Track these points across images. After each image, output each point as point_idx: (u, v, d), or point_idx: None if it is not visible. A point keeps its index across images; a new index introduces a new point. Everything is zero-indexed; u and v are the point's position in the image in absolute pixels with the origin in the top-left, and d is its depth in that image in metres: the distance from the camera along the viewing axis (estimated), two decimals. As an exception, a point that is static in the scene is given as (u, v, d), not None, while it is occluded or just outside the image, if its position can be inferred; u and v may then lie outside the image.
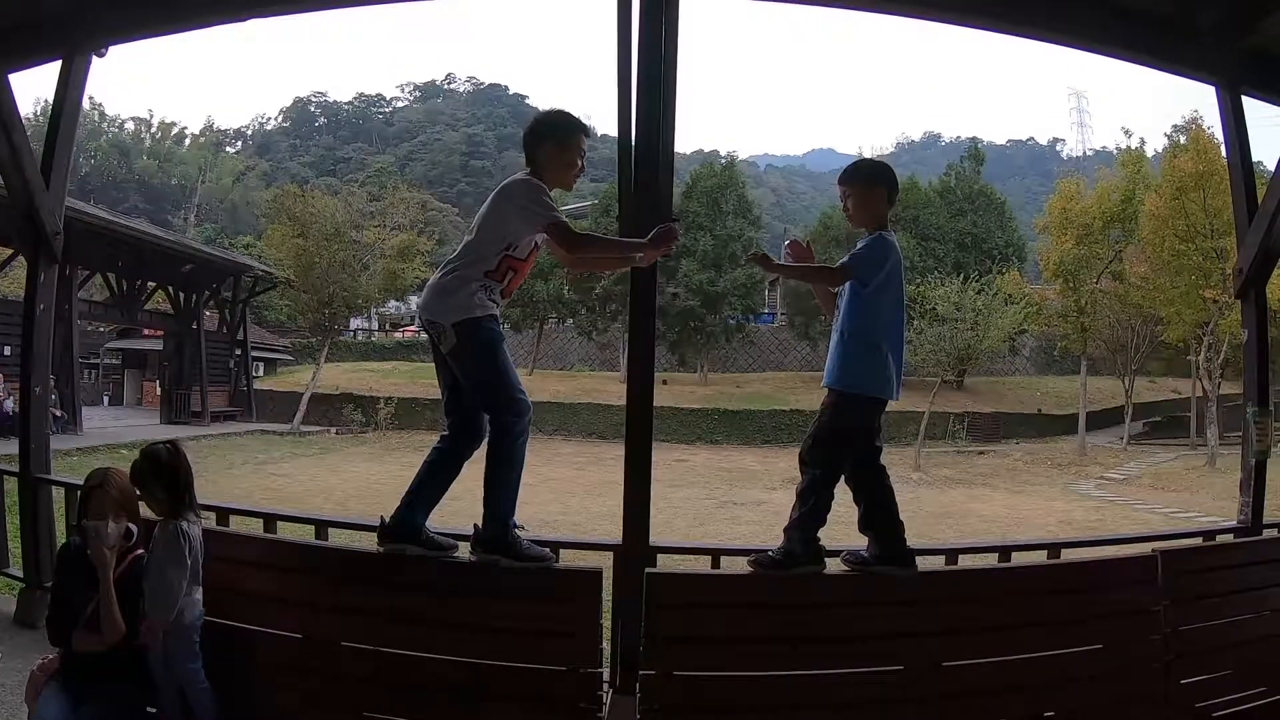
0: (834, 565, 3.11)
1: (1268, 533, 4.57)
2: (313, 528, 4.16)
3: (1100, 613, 3.33)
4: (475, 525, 3.02)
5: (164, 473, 3.15)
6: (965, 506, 18.46)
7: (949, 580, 3.48)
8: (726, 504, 17.93)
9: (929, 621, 3.08)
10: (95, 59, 4.87)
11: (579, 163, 3.18)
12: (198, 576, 3.10)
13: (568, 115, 3.26)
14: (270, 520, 4.31)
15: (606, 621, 3.16)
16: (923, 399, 28.11)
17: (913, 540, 3.14)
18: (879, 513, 3.09)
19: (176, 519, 3.10)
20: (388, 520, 3.05)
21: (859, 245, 3.09)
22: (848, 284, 3.09)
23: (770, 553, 3.05)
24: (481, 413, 3.04)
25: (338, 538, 4.10)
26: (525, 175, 3.10)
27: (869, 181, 3.20)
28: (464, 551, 3.10)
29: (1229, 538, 4.53)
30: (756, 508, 16.35)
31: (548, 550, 3.13)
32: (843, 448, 3.06)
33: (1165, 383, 38.65)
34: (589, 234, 3.25)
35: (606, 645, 3.30)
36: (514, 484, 3.01)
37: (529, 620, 3.01)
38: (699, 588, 3.17)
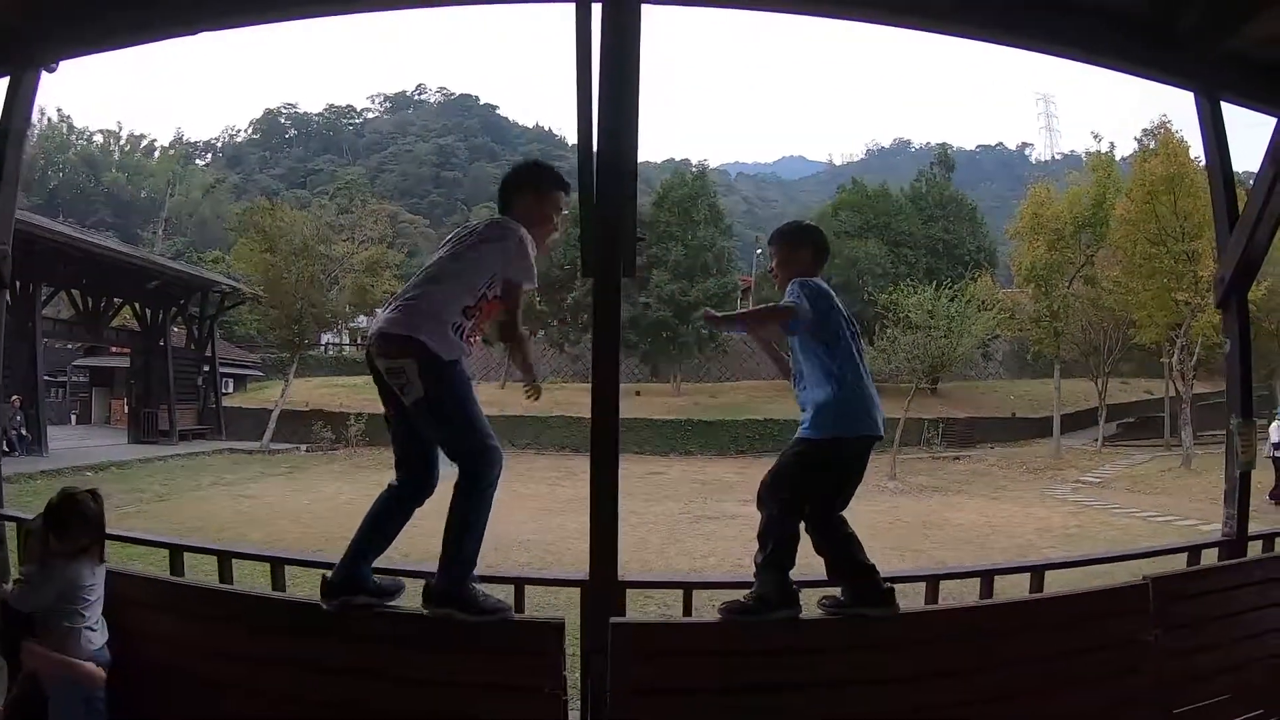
0: (810, 608, 2.93)
1: (1253, 546, 4.48)
2: (269, 565, 3.94)
3: (1091, 646, 3.21)
4: (427, 581, 2.81)
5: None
6: (943, 515, 18.41)
7: (930, 621, 3.31)
8: (701, 519, 17.74)
9: (911, 665, 2.94)
10: (45, 74, 4.65)
11: (555, 219, 3.04)
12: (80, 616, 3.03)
13: (550, 168, 3.14)
14: (225, 557, 4.08)
15: (577, 659, 2.99)
16: (898, 406, 28.11)
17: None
18: (845, 563, 2.93)
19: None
20: (331, 578, 2.84)
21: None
22: (794, 339, 3.03)
23: (742, 598, 2.86)
24: (436, 466, 2.88)
25: (294, 574, 3.89)
26: (516, 223, 2.92)
27: (793, 244, 3.19)
28: (415, 595, 2.90)
29: (1215, 551, 4.44)
30: (731, 522, 16.08)
31: (506, 603, 2.92)
32: (798, 489, 2.89)
33: (1138, 383, 39.02)
34: (520, 329, 3.02)
35: (576, 692, 3.11)
36: (478, 535, 2.79)
37: (490, 674, 2.84)
38: (668, 638, 2.97)
